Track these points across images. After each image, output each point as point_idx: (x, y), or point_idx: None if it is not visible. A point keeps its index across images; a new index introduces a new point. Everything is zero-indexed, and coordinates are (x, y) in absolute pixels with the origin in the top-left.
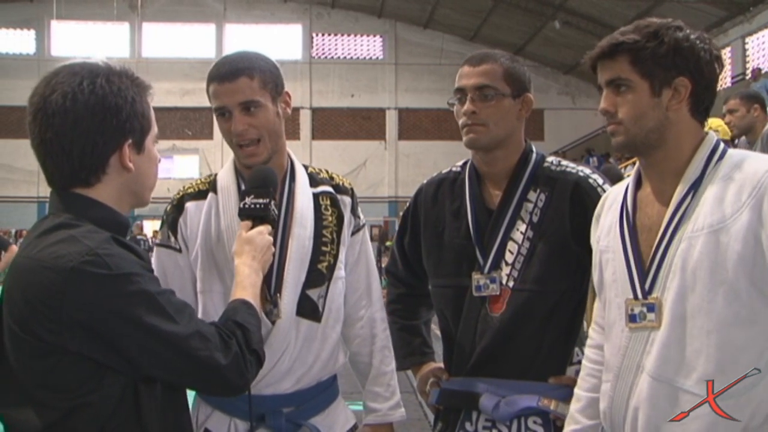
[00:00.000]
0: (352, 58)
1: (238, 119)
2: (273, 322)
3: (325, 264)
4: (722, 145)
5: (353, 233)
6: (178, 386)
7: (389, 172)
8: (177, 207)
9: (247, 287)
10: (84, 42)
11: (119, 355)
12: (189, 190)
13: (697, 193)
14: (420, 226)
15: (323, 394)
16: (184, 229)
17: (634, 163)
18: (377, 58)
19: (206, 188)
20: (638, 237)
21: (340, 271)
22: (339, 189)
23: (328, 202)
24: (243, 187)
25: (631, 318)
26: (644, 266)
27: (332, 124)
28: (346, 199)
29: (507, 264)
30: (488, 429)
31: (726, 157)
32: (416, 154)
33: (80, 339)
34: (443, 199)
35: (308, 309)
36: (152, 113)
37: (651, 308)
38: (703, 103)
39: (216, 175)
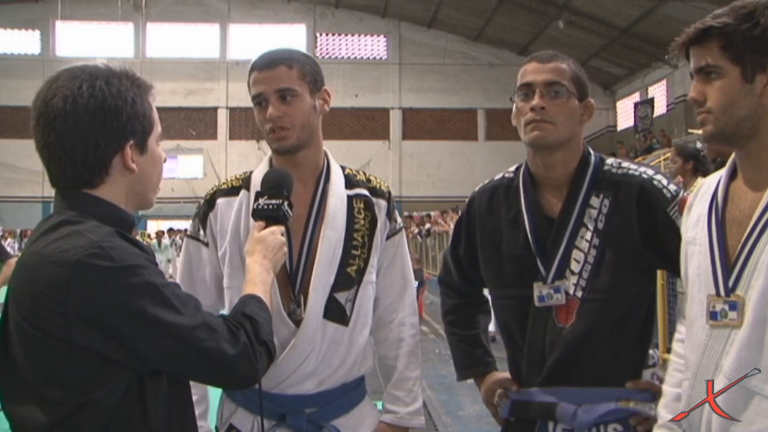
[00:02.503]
0: (355, 58)
1: (274, 106)
2: (296, 323)
3: (354, 267)
4: None
5: (389, 237)
6: (187, 379)
7: (393, 172)
8: (209, 202)
9: (257, 283)
10: (88, 42)
11: (126, 348)
12: (222, 186)
13: None
14: (476, 236)
15: (348, 395)
16: (214, 224)
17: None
18: (381, 58)
19: (239, 185)
20: (726, 230)
21: (370, 276)
22: (375, 192)
23: (362, 206)
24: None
25: (712, 315)
26: (729, 262)
27: (336, 124)
28: (382, 203)
29: (573, 273)
30: None
31: None
32: (420, 154)
33: (87, 332)
34: (498, 208)
35: (336, 312)
36: (155, 113)
37: (733, 306)
38: None
39: (251, 172)
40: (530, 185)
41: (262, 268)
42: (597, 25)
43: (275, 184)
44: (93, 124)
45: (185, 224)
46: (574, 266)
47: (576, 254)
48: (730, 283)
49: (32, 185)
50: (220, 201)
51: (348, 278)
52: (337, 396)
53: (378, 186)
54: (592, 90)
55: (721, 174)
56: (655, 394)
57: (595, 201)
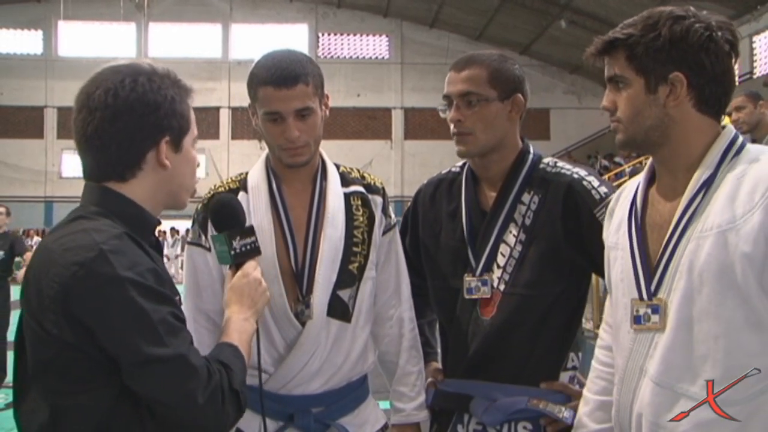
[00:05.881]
0: (358, 57)
1: (292, 125)
2: (303, 323)
3: (355, 264)
4: (741, 139)
5: (384, 233)
6: (154, 409)
7: (395, 172)
8: (207, 206)
9: (233, 332)
10: (91, 42)
11: (109, 357)
12: (219, 189)
13: (710, 191)
14: (419, 227)
15: (353, 394)
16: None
17: (640, 163)
18: (383, 57)
19: (237, 187)
20: (646, 235)
21: (370, 272)
22: (370, 189)
23: (359, 202)
24: (275, 186)
25: (636, 319)
26: (651, 266)
27: (338, 123)
28: (378, 199)
29: (499, 267)
30: None
31: (743, 152)
32: (422, 154)
33: (78, 333)
34: (440, 200)
35: (339, 309)
36: (192, 115)
37: (655, 310)
38: (711, 97)
39: (247, 173)
40: (471, 180)
41: (239, 317)
42: (599, 24)
43: (220, 226)
44: (132, 117)
45: (188, 224)
46: (500, 260)
47: (503, 248)
48: (653, 287)
49: (34, 185)
50: None
51: (350, 275)
52: (342, 395)
53: (373, 182)
54: (594, 89)
55: (640, 179)
56: (569, 397)
57: (525, 197)
